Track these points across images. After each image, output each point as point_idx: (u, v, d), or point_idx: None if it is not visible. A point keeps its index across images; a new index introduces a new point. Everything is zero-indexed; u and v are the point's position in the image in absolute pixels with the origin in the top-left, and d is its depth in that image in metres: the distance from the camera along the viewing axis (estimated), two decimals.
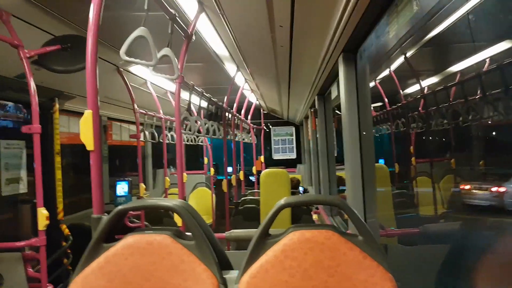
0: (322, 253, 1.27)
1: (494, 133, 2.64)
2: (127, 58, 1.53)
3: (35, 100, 2.46)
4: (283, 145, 8.76)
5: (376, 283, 1.24)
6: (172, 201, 1.41)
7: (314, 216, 4.41)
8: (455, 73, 2.73)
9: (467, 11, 1.83)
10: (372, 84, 3.62)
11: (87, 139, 1.37)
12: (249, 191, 6.29)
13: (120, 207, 1.34)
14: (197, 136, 5.96)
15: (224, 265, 1.37)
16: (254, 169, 7.60)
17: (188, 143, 6.27)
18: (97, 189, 1.41)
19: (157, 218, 4.55)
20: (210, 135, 3.40)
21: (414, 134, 3.85)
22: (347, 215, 1.35)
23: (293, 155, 8.72)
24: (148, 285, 1.26)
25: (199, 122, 2.87)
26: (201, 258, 1.29)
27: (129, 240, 1.30)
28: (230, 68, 3.89)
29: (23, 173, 3.44)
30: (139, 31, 1.57)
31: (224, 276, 1.31)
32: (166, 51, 1.77)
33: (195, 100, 3.42)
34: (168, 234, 1.31)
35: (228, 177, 4.61)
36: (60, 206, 3.49)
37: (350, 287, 1.24)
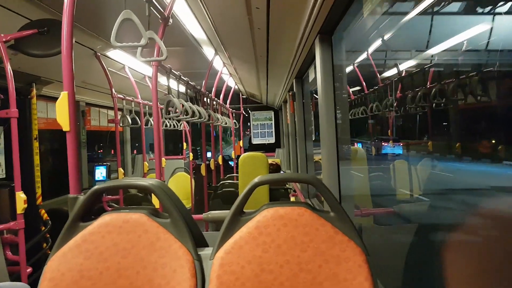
0: (295, 229, 1.30)
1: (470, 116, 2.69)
2: (119, 44, 1.55)
3: (12, 84, 2.45)
4: (262, 129, 8.77)
5: (348, 257, 1.28)
6: (148, 181, 1.43)
7: (292, 199, 4.47)
8: (432, 56, 2.76)
9: None
10: (351, 68, 3.66)
11: (63, 120, 1.38)
12: (228, 175, 6.33)
13: (96, 187, 1.35)
14: (179, 121, 5.93)
15: (200, 243, 1.40)
16: (233, 154, 7.64)
17: (169, 128, 6.23)
18: (74, 169, 1.42)
19: (136, 203, 4.54)
20: (197, 118, 3.38)
21: (392, 118, 3.90)
22: (320, 192, 1.39)
23: (272, 140, 8.75)
24: (125, 262, 1.28)
25: (184, 105, 2.86)
26: (176, 236, 1.32)
27: (105, 218, 1.32)
28: (208, 52, 3.87)
29: (1, 158, 3.40)
30: (124, 14, 1.57)
31: (199, 253, 1.34)
32: (149, 33, 1.78)
33: (173, 85, 3.40)
34: (144, 212, 1.34)
35: (207, 162, 4.63)
36: (39, 191, 3.47)
37: (322, 262, 1.28)
